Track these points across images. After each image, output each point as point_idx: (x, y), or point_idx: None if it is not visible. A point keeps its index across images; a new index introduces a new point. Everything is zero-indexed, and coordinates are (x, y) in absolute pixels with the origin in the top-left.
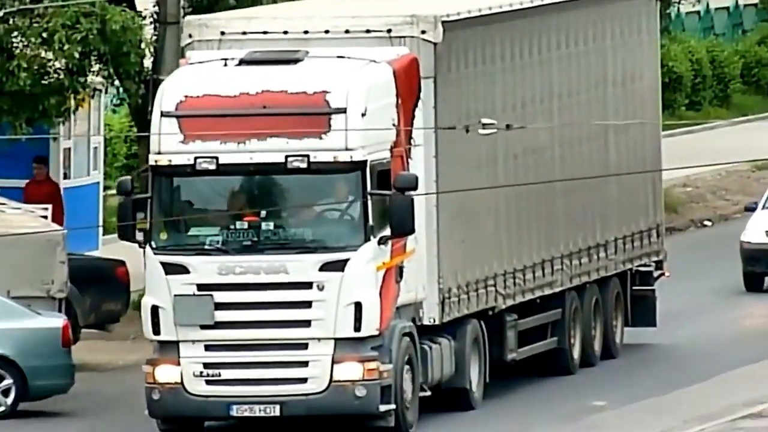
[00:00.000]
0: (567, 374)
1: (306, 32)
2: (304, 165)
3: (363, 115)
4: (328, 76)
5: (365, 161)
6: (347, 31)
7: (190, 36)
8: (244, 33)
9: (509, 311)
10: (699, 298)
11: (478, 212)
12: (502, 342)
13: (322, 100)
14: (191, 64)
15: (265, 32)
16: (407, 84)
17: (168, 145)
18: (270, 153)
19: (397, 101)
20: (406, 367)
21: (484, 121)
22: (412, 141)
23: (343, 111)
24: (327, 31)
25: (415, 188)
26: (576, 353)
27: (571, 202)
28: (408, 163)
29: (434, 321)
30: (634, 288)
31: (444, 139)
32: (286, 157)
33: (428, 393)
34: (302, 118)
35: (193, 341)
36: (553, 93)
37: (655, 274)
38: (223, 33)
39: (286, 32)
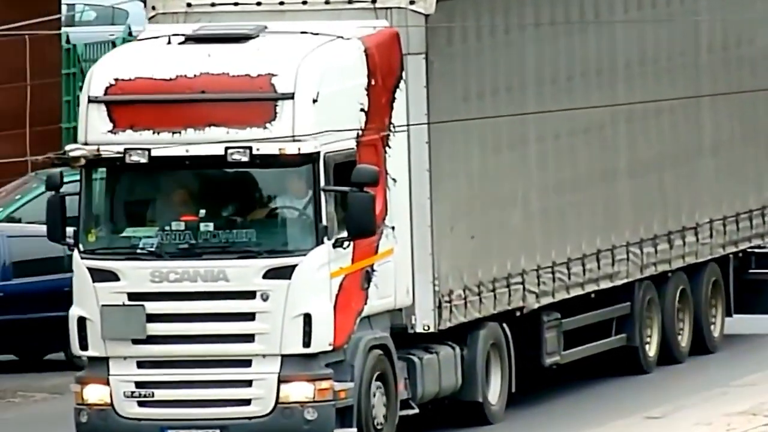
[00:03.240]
0: (641, 374)
1: (282, 3)
2: (245, 158)
3: (315, 100)
4: (278, 56)
5: (317, 153)
6: (327, 2)
7: (153, 8)
8: (213, 5)
9: (550, 310)
10: None
11: (497, 203)
12: (539, 345)
13: (268, 84)
14: (138, 40)
15: (236, 3)
16: (384, 63)
17: (95, 134)
18: (208, 144)
19: (369, 82)
20: (377, 383)
21: None
22: (391, 127)
23: (291, 96)
24: (305, 2)
25: (375, 183)
26: (652, 351)
27: (642, 183)
28: (385, 152)
29: (429, 328)
30: (749, 272)
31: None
32: (226, 149)
33: (416, 410)
34: (245, 105)
35: (124, 357)
36: (617, 63)
37: None
38: (189, 5)
39: (259, 3)
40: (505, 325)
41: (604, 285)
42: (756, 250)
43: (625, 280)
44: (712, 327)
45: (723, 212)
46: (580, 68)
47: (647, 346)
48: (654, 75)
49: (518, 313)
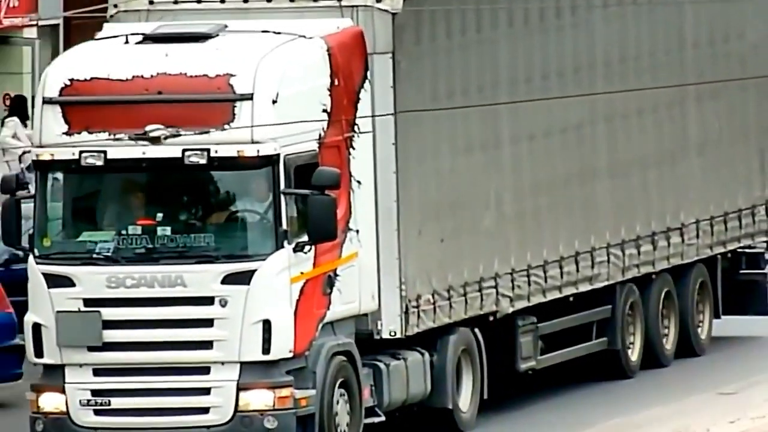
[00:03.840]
0: (624, 378)
1: (246, 1)
2: (203, 161)
3: (274, 101)
4: (237, 55)
5: (277, 155)
6: (292, 0)
7: (115, 6)
8: (176, 2)
9: (525, 313)
10: None
11: (468, 205)
12: (514, 350)
13: (226, 85)
14: (95, 39)
15: (199, 1)
16: (348, 62)
17: (50, 136)
18: (165, 147)
19: (332, 82)
20: (340, 391)
21: None
22: (356, 128)
23: (249, 97)
24: (269, 0)
25: (336, 185)
26: (635, 354)
27: (624, 184)
28: (349, 153)
29: (395, 334)
30: (740, 272)
31: (407, 122)
32: (184, 151)
33: (382, 418)
34: (203, 106)
35: (80, 365)
36: (596, 61)
37: (767, 256)
38: (151, 2)
39: (223, 1)
40: (477, 329)
41: (584, 288)
42: (746, 251)
43: (606, 283)
44: (699, 329)
45: (710, 212)
46: (556, 66)
47: (629, 350)
48: (635, 73)
49: (491, 318)
